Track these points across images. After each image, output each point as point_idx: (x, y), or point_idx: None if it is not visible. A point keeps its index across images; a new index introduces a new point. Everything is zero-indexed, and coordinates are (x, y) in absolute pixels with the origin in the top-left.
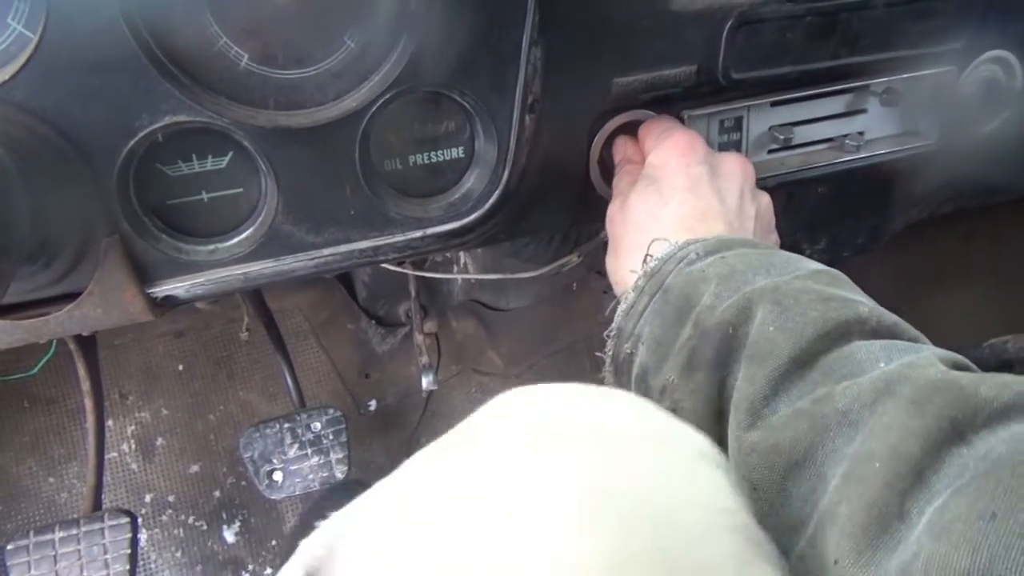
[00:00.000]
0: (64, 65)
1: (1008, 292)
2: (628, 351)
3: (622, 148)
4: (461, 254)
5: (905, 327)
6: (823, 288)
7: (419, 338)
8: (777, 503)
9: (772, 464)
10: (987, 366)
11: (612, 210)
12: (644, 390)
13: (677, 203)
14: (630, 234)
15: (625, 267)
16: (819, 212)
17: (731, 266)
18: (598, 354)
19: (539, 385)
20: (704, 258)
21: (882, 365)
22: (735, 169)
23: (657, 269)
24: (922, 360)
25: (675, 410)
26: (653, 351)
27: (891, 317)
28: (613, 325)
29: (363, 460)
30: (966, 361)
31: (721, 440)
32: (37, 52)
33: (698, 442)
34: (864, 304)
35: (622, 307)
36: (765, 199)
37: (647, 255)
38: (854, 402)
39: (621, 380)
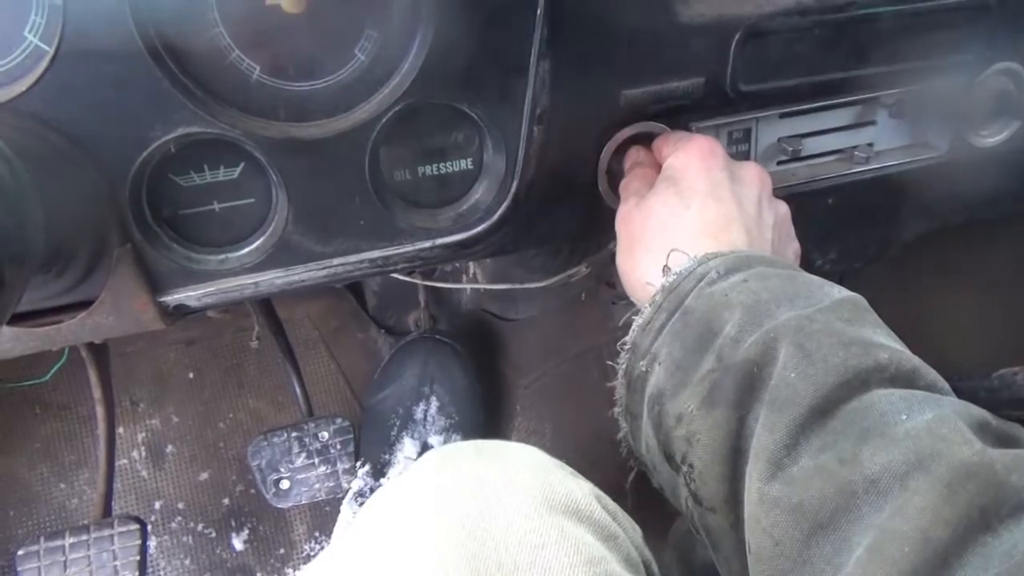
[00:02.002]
0: (79, 77)
1: (1022, 306)
2: (643, 369)
3: (635, 155)
4: (470, 264)
5: (923, 372)
6: (845, 328)
7: None
8: (799, 561)
9: (797, 523)
10: (998, 398)
11: (626, 210)
12: (658, 412)
13: (699, 208)
14: (648, 235)
15: (640, 269)
16: (829, 223)
17: (755, 294)
18: (609, 363)
19: (447, 448)
20: (725, 277)
21: (903, 418)
22: (753, 177)
23: (676, 285)
24: (949, 427)
25: (691, 441)
26: (671, 375)
27: (910, 363)
28: (628, 339)
29: None
30: (986, 416)
31: (735, 477)
32: (53, 65)
33: (572, 498)
34: (884, 348)
35: (638, 322)
36: (783, 208)
37: (665, 266)
38: (884, 471)
39: (634, 397)
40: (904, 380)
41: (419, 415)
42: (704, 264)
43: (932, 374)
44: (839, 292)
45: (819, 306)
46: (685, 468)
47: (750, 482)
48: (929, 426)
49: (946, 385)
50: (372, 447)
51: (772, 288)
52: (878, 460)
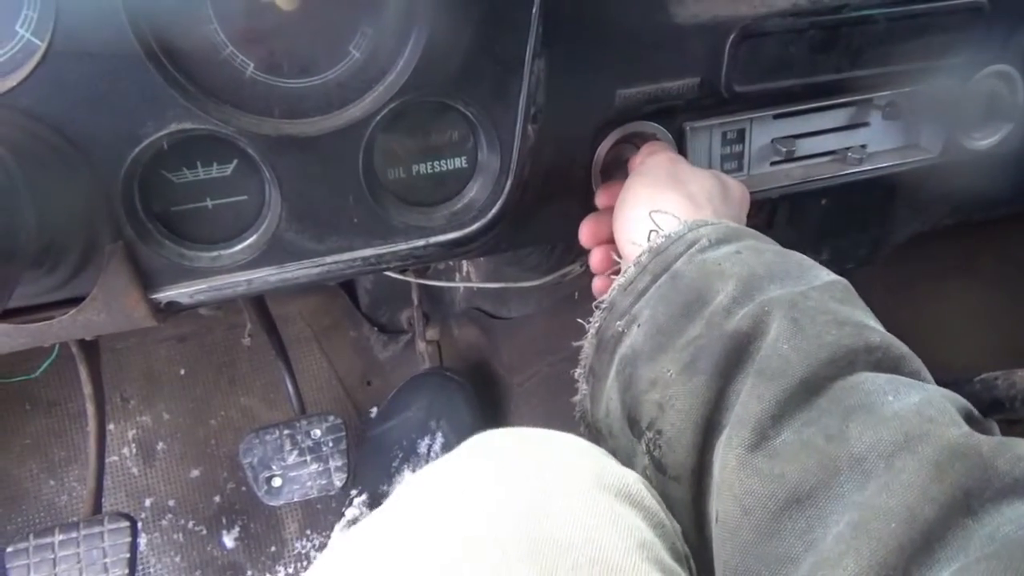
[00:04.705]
0: (71, 72)
1: (1011, 306)
2: (620, 329)
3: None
4: (464, 262)
5: (909, 360)
6: (838, 308)
7: (421, 345)
8: (767, 532)
9: (773, 493)
10: (979, 401)
11: (633, 175)
12: (629, 375)
13: (706, 178)
14: (660, 183)
15: (634, 217)
16: (822, 224)
17: (750, 267)
18: (585, 322)
19: (486, 433)
20: (717, 247)
21: (890, 399)
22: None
23: (663, 248)
24: (937, 409)
25: (663, 407)
26: (651, 337)
27: (899, 350)
28: (606, 298)
29: None
30: (969, 406)
31: (705, 448)
32: (45, 59)
33: (623, 482)
34: (876, 332)
35: (619, 281)
36: None
37: (651, 231)
38: (870, 450)
39: (602, 357)
40: (890, 365)
41: (423, 449)
42: (695, 230)
43: (917, 362)
44: (828, 274)
45: (812, 284)
46: (651, 434)
47: (729, 449)
48: (917, 408)
49: (929, 375)
50: (371, 476)
51: (766, 263)
52: (865, 438)
